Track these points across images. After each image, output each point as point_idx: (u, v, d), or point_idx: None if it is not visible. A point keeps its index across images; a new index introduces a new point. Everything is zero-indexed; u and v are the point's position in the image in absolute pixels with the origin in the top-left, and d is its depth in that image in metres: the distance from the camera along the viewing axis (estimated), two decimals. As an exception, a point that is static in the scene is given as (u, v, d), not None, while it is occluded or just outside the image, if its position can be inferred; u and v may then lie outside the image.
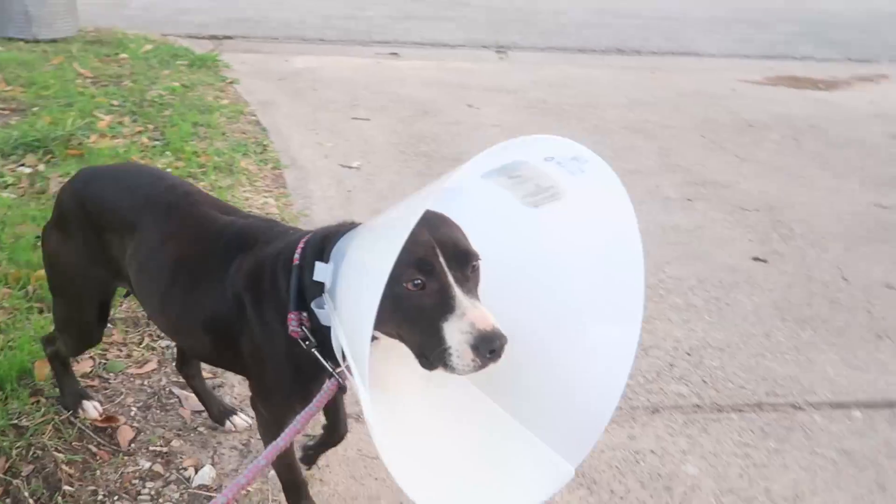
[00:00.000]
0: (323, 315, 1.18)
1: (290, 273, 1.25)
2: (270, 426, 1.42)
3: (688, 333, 2.44)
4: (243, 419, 1.86)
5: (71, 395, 1.83)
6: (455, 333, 1.02)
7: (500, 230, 1.22)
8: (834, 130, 4.97)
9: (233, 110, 4.23)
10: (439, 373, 1.06)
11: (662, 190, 3.73)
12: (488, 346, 1.01)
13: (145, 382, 1.99)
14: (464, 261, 1.09)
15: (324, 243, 1.22)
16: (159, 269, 1.44)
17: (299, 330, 1.22)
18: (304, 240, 1.27)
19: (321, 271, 1.16)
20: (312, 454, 1.68)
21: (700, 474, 1.84)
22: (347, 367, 1.10)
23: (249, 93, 4.74)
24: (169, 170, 3.19)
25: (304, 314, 1.22)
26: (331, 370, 1.22)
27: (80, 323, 1.69)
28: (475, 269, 1.12)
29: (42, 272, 2.30)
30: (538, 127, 4.65)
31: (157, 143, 3.57)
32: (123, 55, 5.02)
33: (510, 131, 4.50)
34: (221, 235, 1.42)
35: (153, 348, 2.12)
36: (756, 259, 3.01)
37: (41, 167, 3.19)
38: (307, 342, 1.22)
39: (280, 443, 1.19)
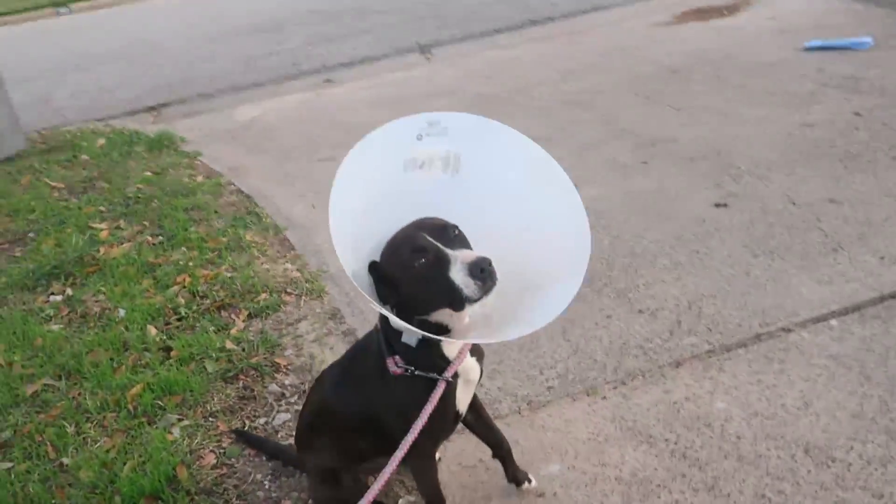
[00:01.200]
0: (409, 340, 1.62)
1: (378, 341, 1.69)
2: (426, 465, 1.84)
3: (682, 290, 2.87)
4: None
5: None
6: (456, 275, 1.46)
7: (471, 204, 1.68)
8: (747, 57, 5.46)
9: (212, 185, 4.48)
10: (472, 308, 1.49)
11: (618, 158, 4.14)
12: (478, 268, 1.44)
13: (263, 458, 2.33)
14: (443, 232, 1.53)
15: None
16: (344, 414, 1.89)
17: (399, 369, 1.63)
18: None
19: (390, 317, 1.57)
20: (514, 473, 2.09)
21: (728, 407, 2.28)
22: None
23: (215, 161, 4.98)
24: (191, 263, 3.47)
25: (396, 356, 1.65)
26: (436, 376, 1.63)
27: None
28: (458, 234, 1.55)
29: (135, 390, 2.62)
30: (489, 123, 5.01)
31: (160, 237, 3.82)
32: (84, 156, 5.18)
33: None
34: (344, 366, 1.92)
35: (256, 428, 2.45)
36: (717, 205, 3.45)
37: (69, 291, 3.43)
38: (408, 370, 1.62)
39: (409, 437, 1.58)
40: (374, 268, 1.59)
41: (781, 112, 4.39)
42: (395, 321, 1.50)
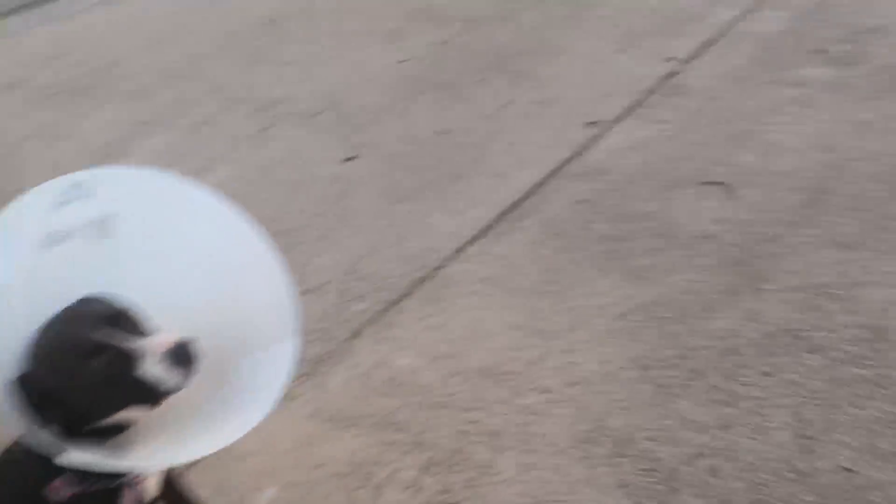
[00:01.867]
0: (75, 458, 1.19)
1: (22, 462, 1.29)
2: None
3: (338, 257, 2.88)
4: None
5: None
6: (151, 369, 1.14)
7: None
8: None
9: None
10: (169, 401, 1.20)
11: (240, 130, 3.92)
12: (181, 355, 1.15)
13: None
14: (115, 321, 1.18)
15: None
16: None
17: (72, 490, 1.25)
18: None
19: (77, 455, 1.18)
20: None
21: (412, 361, 2.37)
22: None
23: None
24: None
25: (62, 476, 1.24)
26: (119, 482, 1.28)
27: None
28: (132, 318, 1.22)
29: None
30: (93, 124, 4.29)
31: None
32: None
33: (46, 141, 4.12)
34: None
35: None
36: (348, 159, 3.51)
37: None
38: (87, 483, 1.25)
39: None
40: (23, 383, 1.16)
41: (378, 51, 4.61)
42: (82, 458, 1.12)
